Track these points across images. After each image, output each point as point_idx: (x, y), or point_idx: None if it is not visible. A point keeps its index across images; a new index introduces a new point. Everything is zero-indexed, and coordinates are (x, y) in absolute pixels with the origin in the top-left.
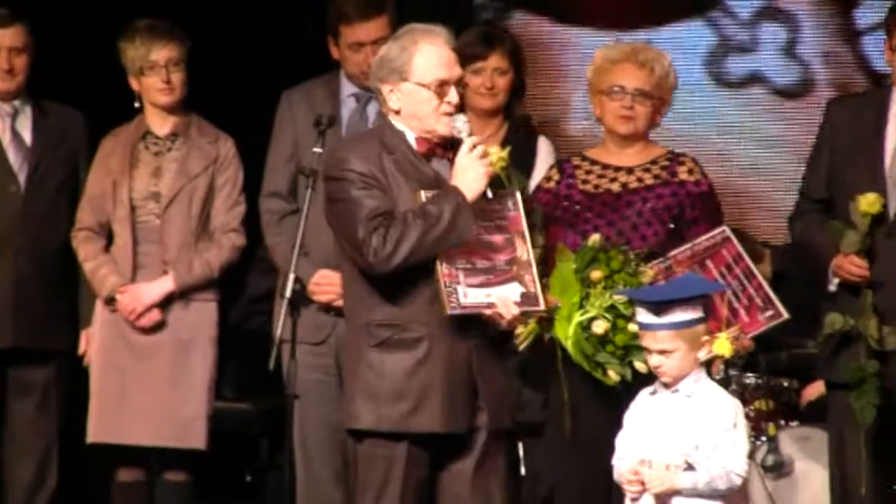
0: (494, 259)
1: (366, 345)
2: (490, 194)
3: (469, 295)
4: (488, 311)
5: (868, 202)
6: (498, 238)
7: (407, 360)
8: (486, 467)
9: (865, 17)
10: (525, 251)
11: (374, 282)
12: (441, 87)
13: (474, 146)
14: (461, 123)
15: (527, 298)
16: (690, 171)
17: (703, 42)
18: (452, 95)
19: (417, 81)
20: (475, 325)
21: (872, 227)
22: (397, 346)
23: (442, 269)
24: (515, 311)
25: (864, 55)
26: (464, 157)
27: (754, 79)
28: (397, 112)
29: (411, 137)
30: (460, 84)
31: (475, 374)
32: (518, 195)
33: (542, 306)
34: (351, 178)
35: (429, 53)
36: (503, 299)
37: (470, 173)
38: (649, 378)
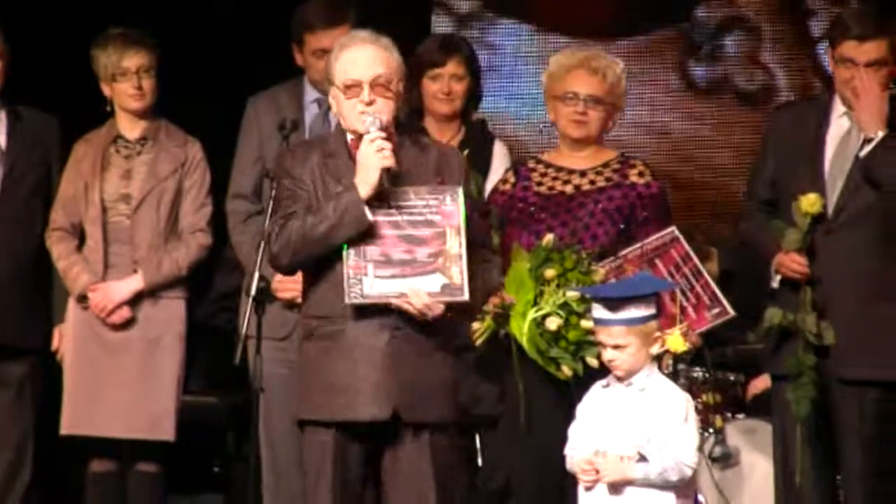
0: (416, 251)
1: (302, 337)
2: (385, 184)
3: (375, 286)
4: (395, 301)
5: (809, 202)
6: (425, 231)
7: (329, 351)
8: (419, 460)
9: (819, 26)
10: (457, 244)
11: (309, 277)
12: (353, 88)
13: (372, 141)
14: (368, 121)
15: (449, 289)
16: (641, 174)
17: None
18: (363, 94)
19: (337, 84)
20: (398, 318)
21: (812, 226)
22: (322, 338)
23: (348, 261)
24: (426, 300)
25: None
26: (362, 153)
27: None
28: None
29: (349, 138)
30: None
31: (390, 363)
32: (459, 191)
33: (465, 297)
34: (280, 178)
35: (346, 57)
36: (414, 290)
37: (364, 168)
38: (601, 372)
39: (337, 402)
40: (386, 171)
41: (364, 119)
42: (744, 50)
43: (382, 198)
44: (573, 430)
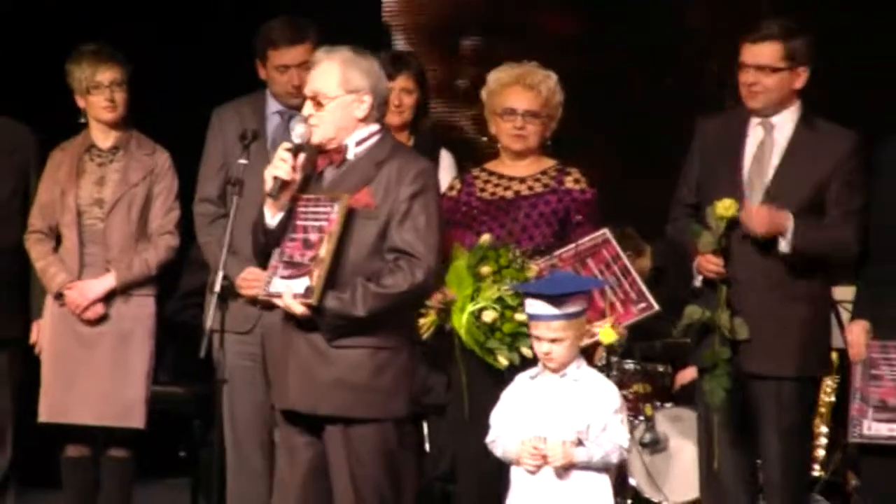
0: (307, 254)
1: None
2: (273, 193)
3: (275, 284)
4: (274, 300)
5: (724, 207)
6: (315, 237)
7: (268, 344)
8: (335, 448)
9: None
10: (326, 250)
11: None
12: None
13: (282, 154)
14: (295, 130)
15: (308, 292)
16: (576, 181)
17: None
18: (306, 106)
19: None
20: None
21: (728, 229)
22: (279, 329)
23: (272, 260)
24: (288, 301)
25: None
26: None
27: None
28: None
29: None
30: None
31: (295, 357)
32: (344, 200)
33: (312, 300)
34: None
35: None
36: (283, 291)
37: (266, 173)
38: (534, 362)
39: (278, 389)
40: (279, 182)
41: (292, 128)
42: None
43: (302, 203)
44: (497, 418)
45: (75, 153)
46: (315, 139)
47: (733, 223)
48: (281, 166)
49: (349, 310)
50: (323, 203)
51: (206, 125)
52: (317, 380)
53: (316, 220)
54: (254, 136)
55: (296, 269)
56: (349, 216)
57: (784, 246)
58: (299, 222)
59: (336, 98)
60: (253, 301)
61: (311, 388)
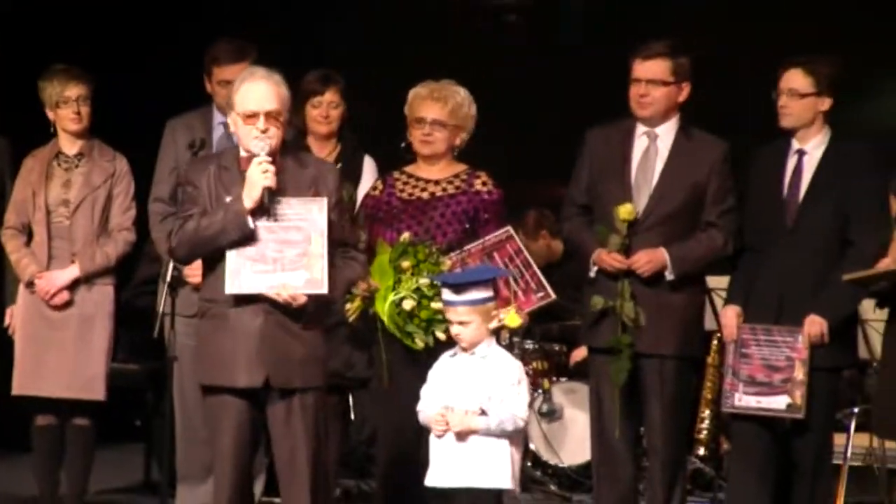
0: (286, 251)
1: (198, 316)
2: (265, 200)
3: (252, 279)
4: (266, 293)
5: (626, 211)
6: (296, 236)
7: (214, 329)
8: (290, 417)
9: None
10: (319, 246)
11: (206, 267)
12: (251, 118)
13: (260, 164)
14: (260, 146)
15: (311, 283)
16: (484, 184)
17: None
18: (259, 122)
19: (237, 111)
20: (270, 304)
21: (629, 230)
22: (210, 317)
23: (228, 257)
24: (291, 292)
25: None
26: (250, 173)
27: None
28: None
29: (242, 156)
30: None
31: (261, 340)
32: (324, 202)
33: (324, 290)
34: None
35: (244, 90)
36: (282, 284)
37: (251, 185)
38: (448, 344)
39: (222, 371)
40: (268, 190)
41: (257, 144)
42: None
43: (262, 206)
44: (425, 391)
45: (45, 159)
46: (272, 148)
47: (632, 224)
48: (269, 177)
49: (334, 296)
50: (299, 205)
51: (160, 135)
52: (292, 357)
53: (291, 220)
54: (202, 145)
55: (276, 264)
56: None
57: (669, 275)
58: (267, 224)
59: (283, 115)
60: (198, 288)
61: (287, 364)
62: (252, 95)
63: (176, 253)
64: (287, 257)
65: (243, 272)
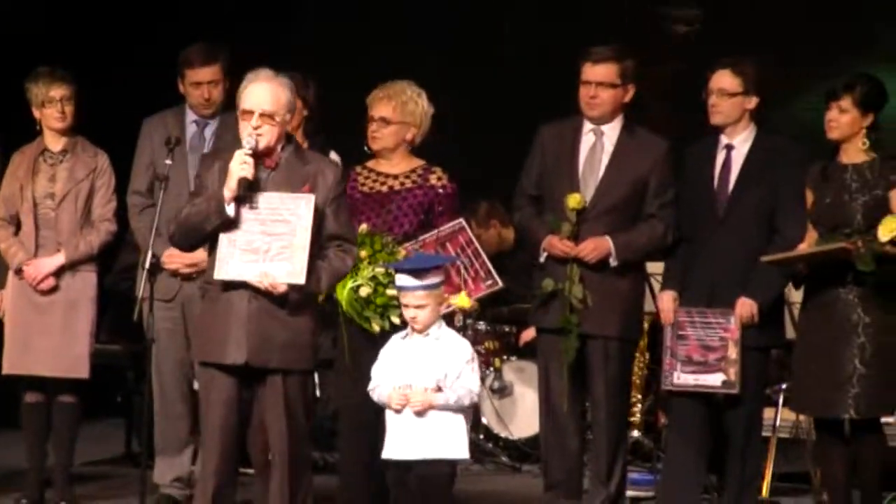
0: (272, 243)
1: (200, 297)
2: (241, 190)
3: (239, 266)
4: (250, 280)
5: (575, 201)
6: (283, 228)
7: (207, 309)
8: (271, 393)
9: None
10: (303, 239)
11: (209, 254)
12: (246, 114)
13: (240, 157)
14: (246, 141)
15: (291, 274)
16: (439, 178)
17: None
18: (253, 120)
19: (239, 108)
20: (255, 288)
21: (577, 217)
22: (208, 300)
23: (220, 245)
24: (270, 281)
25: None
26: (231, 163)
27: None
28: None
29: None
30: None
31: (246, 323)
32: (312, 198)
33: (301, 281)
34: (195, 178)
35: (247, 89)
36: (265, 273)
37: (230, 175)
38: (402, 327)
39: (213, 348)
40: (243, 180)
41: (246, 139)
42: None
43: (255, 199)
44: (376, 370)
45: (31, 155)
46: (261, 146)
47: (581, 212)
48: (246, 168)
49: (314, 287)
50: (288, 200)
51: (137, 133)
52: (273, 340)
53: (280, 213)
54: (176, 142)
55: (262, 254)
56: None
57: (613, 262)
58: (257, 216)
59: (280, 115)
60: (174, 274)
61: (267, 346)
62: (251, 95)
63: (173, 238)
64: (272, 248)
65: (232, 260)
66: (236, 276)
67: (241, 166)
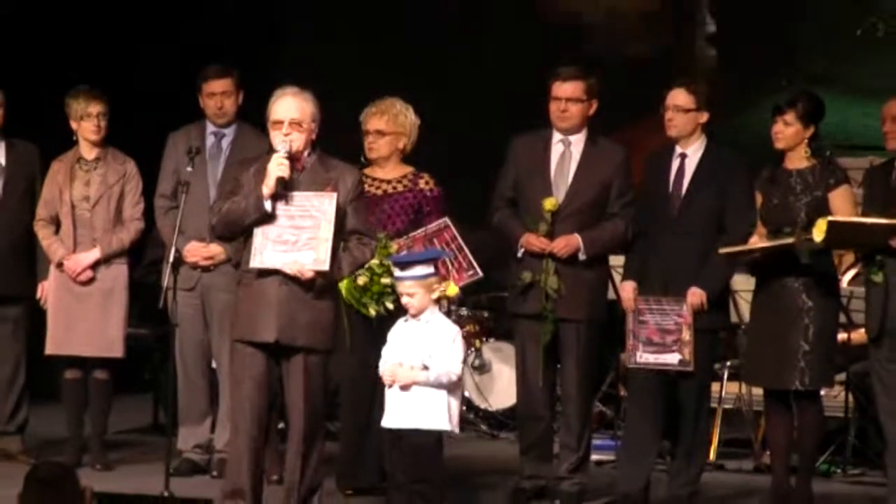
0: (300, 235)
1: (237, 284)
2: (279, 188)
3: (272, 256)
4: (282, 267)
5: (550, 203)
6: (309, 222)
7: (245, 294)
8: (295, 369)
9: None
10: (326, 232)
11: (242, 246)
12: (277, 124)
13: (276, 158)
14: (281, 146)
15: (316, 262)
16: (427, 183)
17: None
18: (283, 128)
19: (269, 120)
20: (286, 277)
21: (553, 218)
22: (244, 286)
23: (255, 237)
24: (299, 268)
25: None
26: (270, 164)
27: None
28: None
29: None
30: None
31: (277, 305)
32: (334, 197)
33: (326, 268)
34: (230, 179)
35: (273, 104)
36: (294, 261)
37: (268, 175)
38: (399, 312)
39: (247, 328)
40: (281, 179)
41: (279, 144)
42: None
43: (287, 198)
44: (385, 350)
45: (69, 163)
46: (293, 149)
47: (555, 213)
48: (283, 169)
49: (336, 274)
50: (314, 198)
51: (163, 145)
52: (299, 320)
53: (307, 210)
54: (196, 152)
55: (291, 245)
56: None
57: (582, 256)
58: (287, 212)
59: (306, 123)
60: (195, 266)
61: (294, 325)
62: (280, 107)
63: (215, 230)
64: (301, 240)
65: (265, 250)
66: (269, 265)
67: (278, 167)
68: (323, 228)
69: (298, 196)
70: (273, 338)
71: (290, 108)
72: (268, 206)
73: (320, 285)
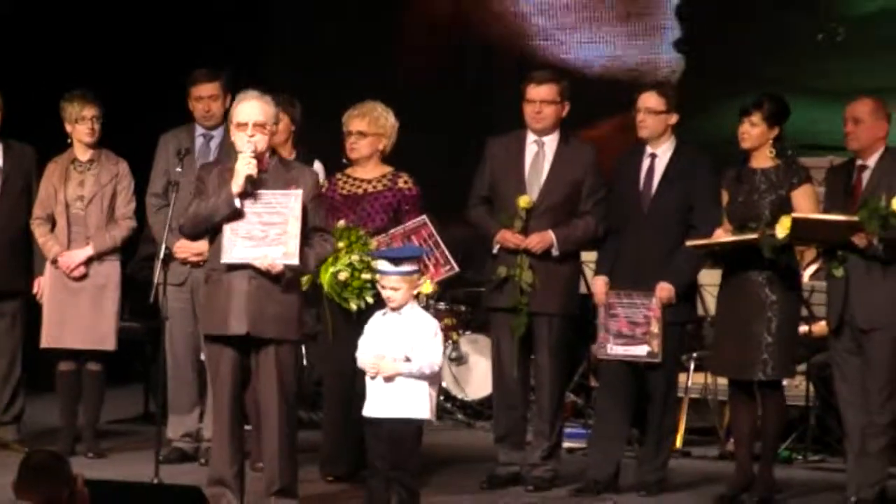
0: (269, 231)
1: (203, 281)
2: (248, 186)
3: (242, 251)
4: (252, 261)
5: (526, 201)
6: (277, 219)
7: (214, 290)
8: (265, 360)
9: None
10: (294, 227)
11: (210, 245)
12: (241, 126)
13: (244, 158)
14: (246, 146)
15: (286, 255)
16: (405, 182)
17: None
18: (248, 129)
19: (233, 122)
20: (255, 271)
21: (527, 215)
22: (212, 282)
23: (224, 234)
24: (270, 262)
25: None
26: (238, 163)
27: None
28: None
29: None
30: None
31: (247, 299)
32: (299, 194)
33: (296, 261)
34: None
35: (239, 106)
36: (264, 255)
37: (237, 173)
38: (376, 306)
39: (218, 322)
40: (249, 178)
41: (245, 145)
42: None
43: (254, 195)
44: (362, 341)
45: (64, 164)
46: (258, 149)
47: (530, 211)
48: (251, 168)
49: (304, 267)
50: (280, 196)
51: (154, 146)
52: (268, 313)
53: (274, 207)
54: (186, 153)
55: (260, 240)
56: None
57: (555, 252)
58: (255, 209)
59: (270, 125)
60: (184, 262)
61: (264, 318)
62: (244, 109)
63: (183, 230)
64: (269, 235)
65: (235, 247)
66: (240, 260)
67: (247, 166)
68: (290, 224)
69: (265, 194)
70: (244, 330)
71: (254, 111)
72: (237, 203)
73: (288, 279)
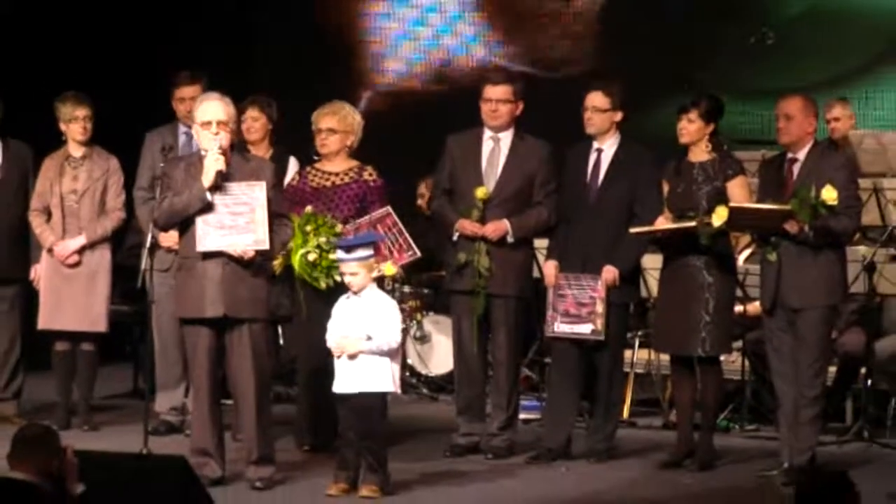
0: (238, 220)
1: (176, 269)
2: (218, 180)
3: (215, 240)
4: (225, 249)
5: (483, 192)
6: (245, 209)
7: (188, 277)
8: (240, 339)
9: None
10: (262, 215)
11: (181, 233)
12: (206, 125)
13: (214, 154)
14: (213, 143)
15: (257, 241)
16: (370, 174)
17: None
18: (212, 128)
19: (197, 122)
20: (228, 258)
21: (484, 205)
22: (185, 269)
23: (197, 226)
24: (242, 248)
25: None
26: (206, 160)
27: None
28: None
29: (202, 153)
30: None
31: (221, 283)
32: (263, 185)
33: (266, 247)
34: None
35: (202, 106)
36: (237, 243)
37: (207, 169)
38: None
39: (194, 306)
40: (219, 172)
41: (211, 142)
42: None
43: (221, 188)
44: (329, 325)
45: (58, 160)
46: (224, 145)
47: (487, 201)
48: (220, 163)
49: (272, 252)
50: (246, 187)
51: (142, 142)
52: (240, 295)
53: (241, 198)
54: (170, 149)
55: (231, 229)
56: None
57: (510, 239)
58: (224, 201)
59: (230, 124)
60: (169, 250)
61: (237, 300)
62: (207, 109)
63: (158, 223)
64: (239, 224)
65: (208, 236)
66: (214, 248)
67: (216, 162)
68: (258, 213)
69: (232, 186)
70: (221, 312)
71: (218, 111)
72: (209, 196)
73: (258, 263)
